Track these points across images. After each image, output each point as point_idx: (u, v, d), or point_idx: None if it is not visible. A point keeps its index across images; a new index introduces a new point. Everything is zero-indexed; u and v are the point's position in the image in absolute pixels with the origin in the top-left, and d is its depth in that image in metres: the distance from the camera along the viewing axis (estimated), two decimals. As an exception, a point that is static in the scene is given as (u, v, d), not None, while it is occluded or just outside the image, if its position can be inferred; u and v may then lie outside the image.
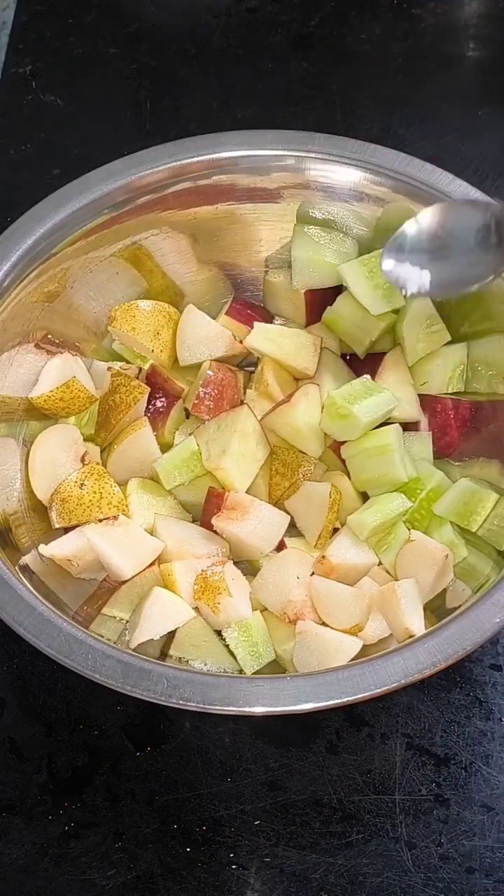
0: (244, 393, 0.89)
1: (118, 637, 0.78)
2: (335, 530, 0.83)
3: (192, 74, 1.21)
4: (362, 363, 0.90)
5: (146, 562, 0.80)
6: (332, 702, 0.67)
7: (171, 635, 0.78)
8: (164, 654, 0.78)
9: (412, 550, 0.80)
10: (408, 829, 0.76)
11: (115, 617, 0.80)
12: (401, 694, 0.81)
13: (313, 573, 0.80)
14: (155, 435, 0.86)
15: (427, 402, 0.88)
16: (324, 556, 0.80)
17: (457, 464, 0.87)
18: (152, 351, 0.89)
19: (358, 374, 0.86)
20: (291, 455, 0.85)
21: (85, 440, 0.87)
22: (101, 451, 0.87)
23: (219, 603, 0.77)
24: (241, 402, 0.87)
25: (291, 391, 0.86)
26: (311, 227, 0.90)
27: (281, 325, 0.94)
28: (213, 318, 0.91)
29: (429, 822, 0.77)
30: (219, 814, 0.77)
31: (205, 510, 0.84)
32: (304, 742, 0.80)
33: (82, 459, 0.85)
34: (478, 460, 0.86)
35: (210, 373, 0.87)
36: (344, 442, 0.84)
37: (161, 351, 0.89)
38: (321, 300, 0.91)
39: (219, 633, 0.78)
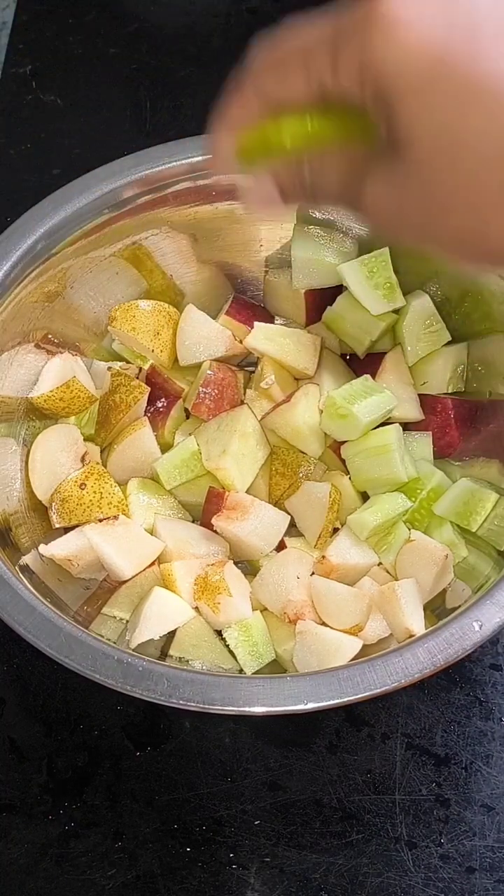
0: (244, 393, 0.89)
1: (118, 637, 0.78)
2: (335, 530, 0.83)
3: (192, 74, 1.20)
4: (362, 363, 0.90)
5: (146, 562, 0.80)
6: (332, 702, 0.66)
7: (171, 635, 0.78)
8: (164, 654, 0.78)
9: (412, 550, 0.80)
10: (408, 829, 0.76)
11: (115, 617, 0.80)
12: (401, 694, 0.81)
13: (313, 573, 0.80)
14: (155, 435, 0.86)
15: (427, 402, 0.88)
16: (324, 556, 0.80)
17: (457, 464, 0.87)
18: (152, 351, 0.89)
19: (358, 374, 0.86)
20: (291, 455, 0.85)
21: (85, 440, 0.87)
22: (101, 451, 0.87)
23: (219, 603, 0.77)
24: (241, 402, 0.87)
25: (291, 391, 0.86)
26: (311, 227, 0.90)
27: (281, 325, 0.94)
28: (213, 318, 0.91)
29: (429, 821, 0.77)
30: (219, 814, 0.77)
31: (205, 510, 0.84)
32: (304, 742, 0.80)
33: (82, 459, 0.85)
34: (478, 460, 0.86)
35: (210, 373, 0.87)
36: (344, 442, 0.83)
37: (161, 351, 0.89)
38: (321, 300, 0.90)
39: (219, 633, 0.78)
